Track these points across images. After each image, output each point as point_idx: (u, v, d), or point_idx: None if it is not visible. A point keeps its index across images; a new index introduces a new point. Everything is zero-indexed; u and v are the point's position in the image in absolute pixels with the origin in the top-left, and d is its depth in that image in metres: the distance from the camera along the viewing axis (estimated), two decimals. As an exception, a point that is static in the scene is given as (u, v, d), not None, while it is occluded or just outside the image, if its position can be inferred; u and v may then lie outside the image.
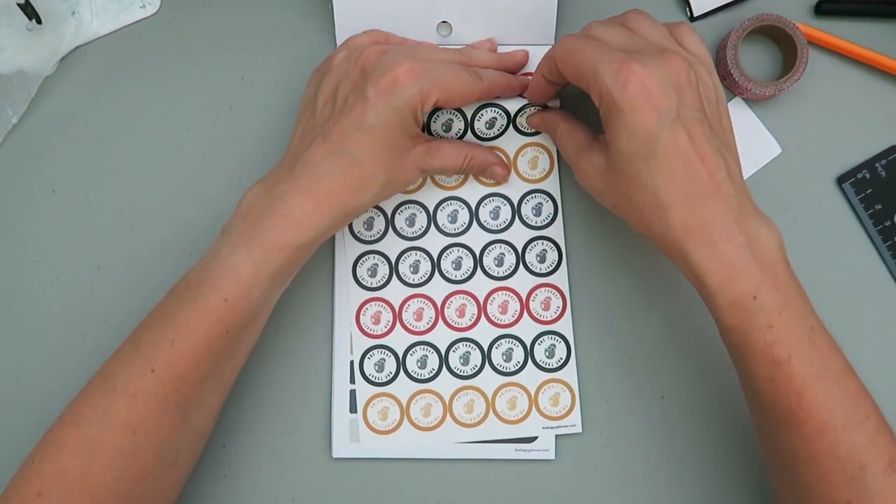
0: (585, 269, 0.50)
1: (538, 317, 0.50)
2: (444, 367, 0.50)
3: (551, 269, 0.50)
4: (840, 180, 0.50)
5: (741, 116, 0.50)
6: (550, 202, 0.50)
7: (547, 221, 0.50)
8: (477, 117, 0.49)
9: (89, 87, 0.52)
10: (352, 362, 0.50)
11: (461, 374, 0.50)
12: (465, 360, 0.50)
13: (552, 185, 0.50)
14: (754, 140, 0.50)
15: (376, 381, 0.50)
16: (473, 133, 0.49)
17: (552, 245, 0.50)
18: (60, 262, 0.51)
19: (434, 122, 0.49)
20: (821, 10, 0.50)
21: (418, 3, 0.49)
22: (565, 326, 0.50)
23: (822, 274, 0.50)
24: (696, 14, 0.51)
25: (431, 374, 0.50)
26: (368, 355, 0.50)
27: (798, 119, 0.50)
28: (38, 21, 0.50)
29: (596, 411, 0.50)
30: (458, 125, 0.49)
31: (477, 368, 0.50)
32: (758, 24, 0.48)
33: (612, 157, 0.40)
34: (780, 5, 0.50)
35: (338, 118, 0.42)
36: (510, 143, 0.50)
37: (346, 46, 0.46)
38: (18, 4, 0.49)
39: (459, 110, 0.49)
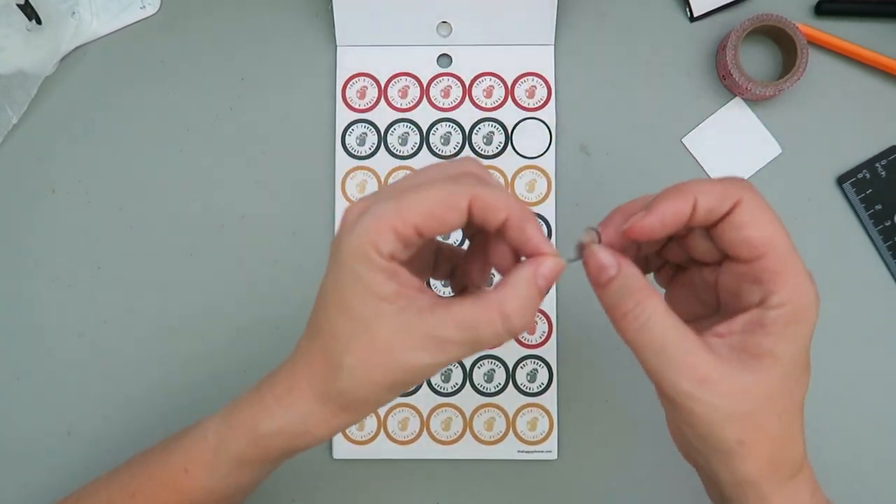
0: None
1: (523, 340, 0.50)
2: (424, 383, 0.50)
3: None
4: (840, 180, 0.50)
5: (741, 116, 0.50)
6: (544, 226, 0.50)
7: None
8: (475, 131, 0.49)
9: (89, 87, 0.51)
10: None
11: (441, 391, 0.50)
12: (447, 377, 0.50)
13: (548, 208, 0.50)
14: (754, 140, 0.50)
15: None
16: (472, 148, 0.50)
17: None
18: (60, 262, 0.51)
19: (433, 134, 0.49)
20: (821, 10, 0.50)
21: (418, 3, 0.49)
22: (549, 352, 0.49)
23: (822, 274, 0.50)
24: (696, 14, 0.51)
25: (411, 389, 0.50)
26: None
27: (798, 119, 0.50)
28: (38, 21, 0.50)
29: (596, 412, 0.50)
30: (457, 138, 0.49)
31: (457, 386, 0.50)
32: (758, 24, 0.48)
33: (778, 369, 0.31)
34: (780, 5, 0.50)
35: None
36: (508, 163, 0.50)
37: None
38: (18, 5, 0.49)
39: (458, 124, 0.49)
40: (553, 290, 0.50)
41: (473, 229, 0.34)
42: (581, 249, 0.32)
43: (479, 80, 0.50)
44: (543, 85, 0.50)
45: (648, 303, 0.31)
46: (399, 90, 0.51)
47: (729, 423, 0.30)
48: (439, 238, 0.36)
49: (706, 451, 0.32)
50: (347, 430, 0.49)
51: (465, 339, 0.30)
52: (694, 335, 0.31)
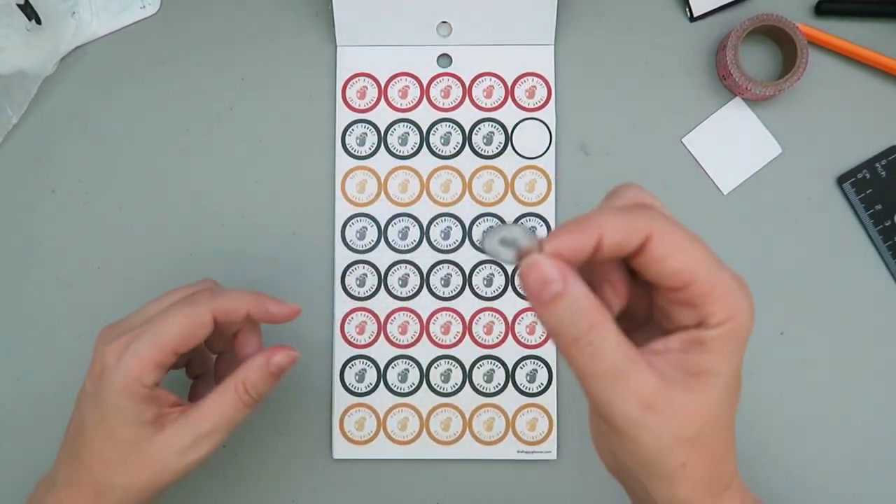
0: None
1: (523, 340, 0.50)
2: (424, 383, 0.50)
3: None
4: (840, 180, 0.50)
5: (741, 116, 0.50)
6: (544, 226, 0.50)
7: None
8: (475, 131, 0.50)
9: (89, 87, 0.52)
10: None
11: (441, 391, 0.50)
12: (446, 377, 0.50)
13: (548, 209, 0.50)
14: (754, 140, 0.50)
15: (356, 390, 0.49)
16: (471, 148, 0.50)
17: None
18: (60, 262, 0.51)
19: (433, 134, 0.49)
20: (821, 10, 0.50)
21: (418, 3, 0.49)
22: (549, 352, 0.49)
23: (822, 274, 0.50)
24: (696, 14, 0.51)
25: (411, 389, 0.50)
26: (350, 365, 0.50)
27: (798, 119, 0.50)
28: (38, 21, 0.50)
29: (596, 411, 0.50)
30: (457, 138, 0.50)
31: (457, 387, 0.50)
32: (758, 24, 0.48)
33: (719, 387, 0.29)
34: (780, 5, 0.50)
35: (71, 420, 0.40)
36: (508, 163, 0.50)
37: None
38: (18, 5, 0.49)
39: (458, 124, 0.50)
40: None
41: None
42: (520, 256, 0.27)
43: (479, 80, 0.50)
44: (543, 85, 0.51)
45: (601, 327, 0.27)
46: (399, 90, 0.51)
47: (674, 448, 0.29)
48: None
49: (644, 476, 0.30)
50: (347, 430, 0.49)
51: (219, 425, 0.37)
52: (641, 358, 0.28)
